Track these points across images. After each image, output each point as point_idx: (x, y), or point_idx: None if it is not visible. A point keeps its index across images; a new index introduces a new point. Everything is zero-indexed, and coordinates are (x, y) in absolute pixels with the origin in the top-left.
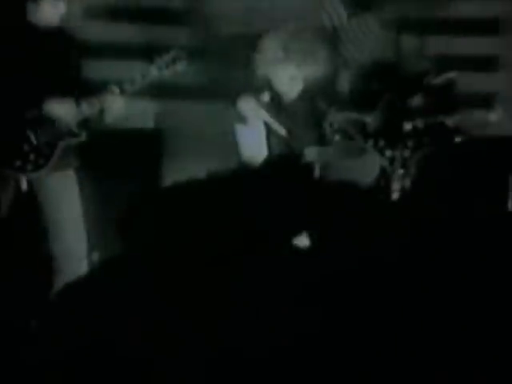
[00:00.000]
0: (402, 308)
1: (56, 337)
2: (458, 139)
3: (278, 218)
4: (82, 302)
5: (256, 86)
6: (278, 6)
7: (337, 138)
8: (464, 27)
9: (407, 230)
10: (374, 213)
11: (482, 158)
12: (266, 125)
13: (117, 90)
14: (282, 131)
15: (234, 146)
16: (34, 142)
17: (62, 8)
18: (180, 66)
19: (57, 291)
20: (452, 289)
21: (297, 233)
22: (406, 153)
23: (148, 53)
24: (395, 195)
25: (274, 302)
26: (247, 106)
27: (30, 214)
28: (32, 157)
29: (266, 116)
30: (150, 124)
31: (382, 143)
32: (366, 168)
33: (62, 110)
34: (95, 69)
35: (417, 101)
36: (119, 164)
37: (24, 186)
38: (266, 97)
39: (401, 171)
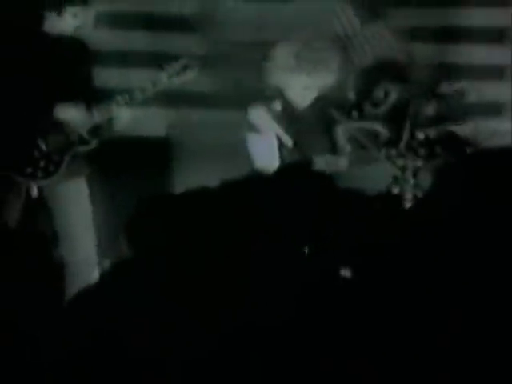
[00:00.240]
0: (411, 314)
1: (67, 343)
2: (469, 148)
3: (289, 225)
4: (92, 308)
5: (268, 95)
6: (291, 15)
7: (348, 147)
8: (475, 36)
9: (419, 238)
10: (385, 221)
11: (493, 166)
12: (277, 135)
13: (126, 98)
14: (290, 142)
15: (245, 154)
16: (45, 149)
17: (80, 19)
18: (190, 74)
19: (68, 298)
20: (463, 299)
21: (308, 240)
22: (418, 162)
23: (159, 61)
24: (407, 204)
25: (282, 307)
26: (259, 114)
27: (41, 221)
28: (42, 164)
29: (274, 126)
30: (161, 132)
31: (393, 152)
32: (378, 177)
33: (73, 116)
34: (106, 77)
35: (429, 110)
36: (130, 172)
37: (34, 192)
38: (277, 106)
39: (412, 180)
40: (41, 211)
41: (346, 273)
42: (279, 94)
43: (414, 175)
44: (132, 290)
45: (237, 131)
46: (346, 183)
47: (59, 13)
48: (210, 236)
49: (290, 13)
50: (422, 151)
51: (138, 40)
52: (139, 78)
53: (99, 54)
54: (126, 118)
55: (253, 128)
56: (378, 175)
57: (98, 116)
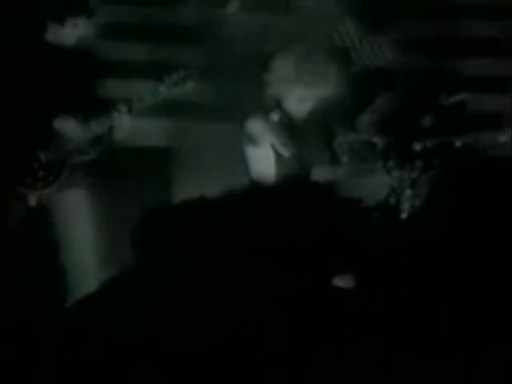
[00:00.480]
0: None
1: (68, 351)
2: (467, 160)
3: (287, 235)
4: (93, 316)
5: (266, 106)
6: (290, 27)
7: (346, 158)
8: (475, 48)
9: (416, 249)
10: (383, 231)
11: (492, 178)
12: (273, 146)
13: (125, 109)
14: (287, 153)
15: (243, 165)
16: (44, 159)
17: (82, 29)
18: (189, 85)
19: (69, 306)
20: (459, 306)
21: (306, 250)
22: (415, 173)
23: (159, 72)
24: (404, 215)
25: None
26: (256, 125)
27: (41, 231)
28: (41, 174)
29: (272, 137)
30: (160, 142)
31: (391, 164)
32: (375, 188)
33: (71, 128)
34: (106, 87)
35: (427, 121)
36: (130, 181)
37: (33, 202)
38: (275, 117)
39: (409, 191)
40: (41, 221)
41: (342, 282)
42: (277, 105)
43: (411, 186)
44: (134, 298)
45: (235, 142)
46: (344, 194)
47: (60, 23)
48: (209, 245)
49: (289, 25)
50: (419, 162)
51: (139, 51)
52: (139, 89)
53: (100, 64)
54: (125, 128)
55: (250, 139)
56: (376, 186)
57: (97, 126)
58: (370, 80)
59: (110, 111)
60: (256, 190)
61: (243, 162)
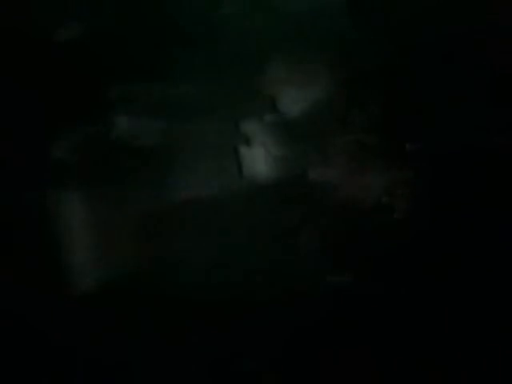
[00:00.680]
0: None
1: (64, 348)
2: (458, 159)
3: (281, 233)
4: (89, 315)
5: (259, 107)
6: (285, 27)
7: (339, 158)
8: (464, 48)
9: (410, 248)
10: (377, 230)
11: (483, 179)
12: (266, 147)
13: (124, 109)
14: (280, 154)
15: (236, 165)
16: (42, 159)
17: (76, 29)
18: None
19: (64, 305)
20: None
21: (300, 249)
22: (408, 173)
23: (155, 71)
24: (398, 214)
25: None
26: (250, 126)
27: (38, 230)
28: (40, 175)
29: (265, 138)
30: (155, 142)
31: (384, 163)
32: (369, 188)
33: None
34: (102, 87)
35: (420, 121)
36: (124, 180)
37: (34, 203)
38: (269, 117)
39: (402, 191)
40: (40, 222)
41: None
42: (271, 105)
43: (404, 186)
44: (129, 299)
45: (228, 142)
46: (338, 194)
47: (61, 23)
48: (203, 243)
49: (284, 26)
50: (412, 162)
51: (134, 51)
52: (134, 89)
53: (96, 64)
54: (123, 128)
55: (244, 139)
56: (369, 186)
57: (94, 127)
58: (364, 80)
59: (108, 111)
60: (250, 190)
61: (237, 162)
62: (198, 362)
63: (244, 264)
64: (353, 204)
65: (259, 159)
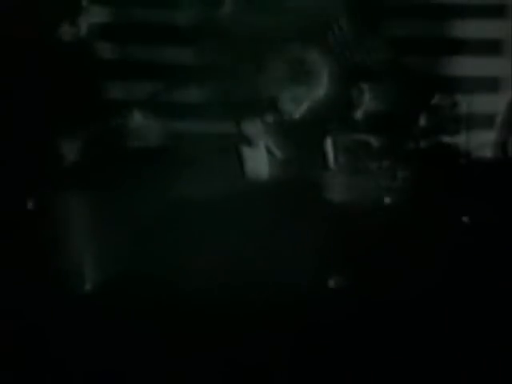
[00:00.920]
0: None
1: (60, 353)
2: (461, 160)
3: (281, 236)
4: (85, 319)
5: (260, 107)
6: (285, 27)
7: (341, 158)
8: (468, 48)
9: (412, 248)
10: (378, 231)
11: (484, 177)
12: (268, 147)
13: (132, 108)
14: (280, 155)
15: (237, 166)
16: (43, 161)
17: (78, 28)
18: None
19: (62, 308)
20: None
21: (301, 250)
22: (410, 173)
23: (156, 72)
24: (400, 215)
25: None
26: (250, 126)
27: (36, 233)
28: (43, 177)
29: (266, 138)
30: (156, 143)
31: (386, 163)
32: (371, 188)
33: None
34: (104, 89)
35: (421, 121)
36: (125, 183)
37: (31, 205)
38: (269, 117)
39: (404, 191)
40: (40, 224)
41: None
42: (271, 105)
43: (406, 186)
44: (126, 301)
45: (229, 143)
46: (340, 194)
47: (57, 22)
48: (204, 244)
49: (284, 25)
50: (413, 162)
51: (136, 51)
52: (135, 90)
53: (98, 65)
54: (125, 129)
55: (245, 140)
56: (371, 186)
57: (97, 128)
58: (365, 80)
59: (109, 113)
60: (252, 191)
61: (238, 162)
62: (197, 362)
63: (245, 265)
64: (354, 205)
65: (261, 160)
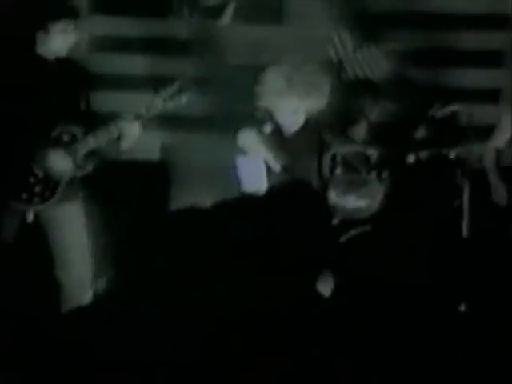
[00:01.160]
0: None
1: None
2: (459, 171)
3: (279, 246)
4: (85, 329)
5: (258, 118)
6: (284, 38)
7: (339, 170)
8: (467, 59)
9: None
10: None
11: (483, 189)
12: (265, 159)
13: (131, 117)
14: (278, 167)
15: (234, 177)
16: (40, 174)
17: (71, 39)
18: (185, 97)
19: (63, 318)
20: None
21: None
22: (409, 183)
23: (154, 84)
24: (398, 225)
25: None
26: (248, 138)
27: (38, 244)
28: (38, 189)
29: (263, 150)
30: (154, 155)
31: (385, 175)
32: (369, 198)
33: (58, 163)
34: (101, 100)
35: (420, 133)
36: (125, 195)
37: (30, 218)
38: (267, 129)
39: (401, 201)
40: (37, 234)
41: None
42: (269, 117)
43: (405, 196)
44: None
45: (227, 154)
46: (338, 205)
47: (46, 30)
48: (201, 256)
49: (282, 36)
50: (412, 173)
51: (134, 63)
52: (133, 102)
53: (95, 77)
54: (131, 137)
55: (242, 151)
56: (369, 197)
57: (93, 141)
58: (363, 91)
59: (106, 125)
60: (250, 201)
61: (235, 174)
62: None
63: (243, 276)
64: (353, 215)
65: (259, 171)
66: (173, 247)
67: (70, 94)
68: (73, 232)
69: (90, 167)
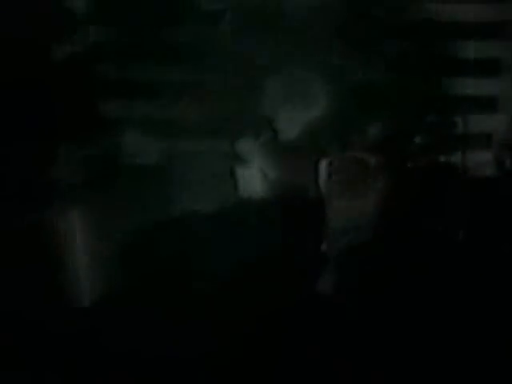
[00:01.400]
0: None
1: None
2: (457, 178)
3: (275, 254)
4: (85, 336)
5: (255, 127)
6: (282, 45)
7: (336, 177)
8: (464, 68)
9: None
10: (377, 249)
11: (482, 196)
12: (262, 167)
13: (123, 129)
14: (275, 175)
15: (231, 185)
16: (42, 180)
17: (76, 45)
18: None
19: (62, 324)
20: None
21: (296, 266)
22: (406, 191)
23: (155, 91)
24: (397, 233)
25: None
26: (246, 146)
27: (35, 253)
28: (39, 195)
29: (260, 158)
30: (152, 161)
31: (382, 182)
32: (369, 207)
33: (61, 166)
34: (104, 108)
35: (417, 140)
36: (122, 201)
37: (33, 223)
38: (265, 137)
39: (403, 209)
40: (38, 242)
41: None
42: (267, 125)
43: (405, 205)
44: (124, 318)
45: (224, 162)
46: (336, 214)
47: (54, 39)
48: (201, 261)
49: (280, 44)
50: (409, 180)
51: (134, 70)
52: (136, 108)
53: (100, 85)
54: (122, 147)
55: (240, 159)
56: (369, 206)
57: (94, 148)
58: (362, 99)
59: (108, 132)
60: (248, 207)
61: (232, 182)
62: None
63: (240, 281)
64: (350, 222)
65: (255, 180)
66: (172, 251)
67: (72, 100)
68: (74, 238)
69: (90, 173)
